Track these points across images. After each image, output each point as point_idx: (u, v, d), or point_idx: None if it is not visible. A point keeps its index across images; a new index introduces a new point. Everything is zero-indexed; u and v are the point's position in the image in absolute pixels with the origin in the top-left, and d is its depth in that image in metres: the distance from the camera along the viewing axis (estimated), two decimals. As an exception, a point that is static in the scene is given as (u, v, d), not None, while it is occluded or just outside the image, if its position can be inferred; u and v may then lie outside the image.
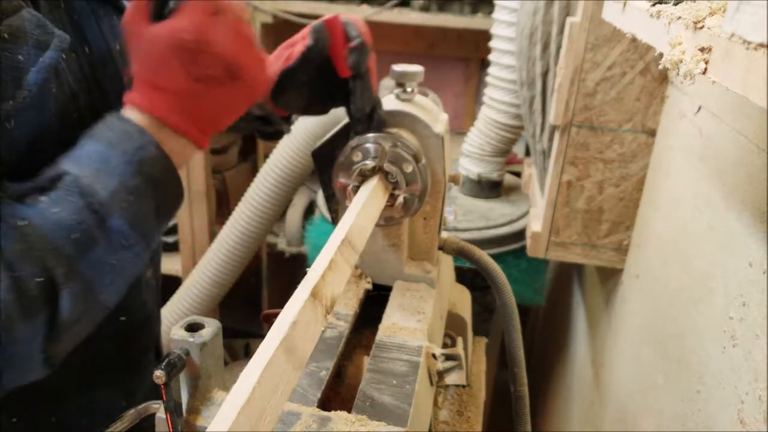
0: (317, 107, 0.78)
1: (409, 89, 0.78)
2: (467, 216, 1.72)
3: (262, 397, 0.39)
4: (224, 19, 0.57)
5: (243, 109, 0.63)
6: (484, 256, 0.83)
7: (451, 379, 0.90)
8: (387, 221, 0.76)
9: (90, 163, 0.54)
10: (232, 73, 0.59)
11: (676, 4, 0.53)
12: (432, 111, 0.80)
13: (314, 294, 0.49)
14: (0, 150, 0.54)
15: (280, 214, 2.10)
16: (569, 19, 1.14)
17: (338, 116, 0.74)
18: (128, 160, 0.54)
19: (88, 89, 0.65)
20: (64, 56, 0.57)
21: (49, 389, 0.70)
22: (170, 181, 0.58)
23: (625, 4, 0.73)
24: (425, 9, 2.13)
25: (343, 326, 0.74)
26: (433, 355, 0.70)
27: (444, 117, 0.83)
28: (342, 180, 0.73)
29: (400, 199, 0.73)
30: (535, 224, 1.28)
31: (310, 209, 2.30)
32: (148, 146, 0.56)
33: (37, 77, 0.54)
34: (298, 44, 0.72)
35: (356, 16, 0.75)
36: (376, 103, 0.72)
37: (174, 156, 0.58)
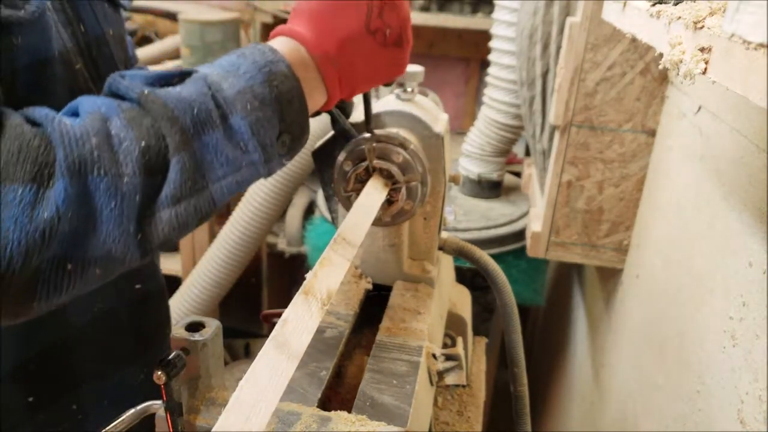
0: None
1: (409, 89, 0.78)
2: (467, 216, 1.72)
3: (254, 386, 0.39)
4: None
5: (386, 78, 0.65)
6: (484, 256, 0.83)
7: (451, 379, 0.90)
8: (398, 216, 0.76)
9: (221, 66, 0.54)
10: (401, 39, 0.62)
11: (676, 4, 0.53)
12: (432, 111, 0.80)
13: (306, 291, 0.49)
14: (1, 62, 0.54)
15: (280, 214, 2.10)
16: (569, 19, 1.14)
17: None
18: (258, 68, 0.54)
19: (84, 64, 0.67)
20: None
21: (67, 368, 0.70)
22: (297, 105, 0.57)
23: (625, 4, 0.73)
24: (425, 9, 2.13)
25: (343, 326, 0.74)
26: (433, 355, 0.70)
27: (444, 117, 0.83)
28: (344, 193, 0.74)
29: (403, 190, 0.73)
30: (535, 224, 1.28)
31: (310, 209, 2.30)
32: (279, 63, 0.56)
33: (38, 3, 0.55)
34: None
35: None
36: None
37: (305, 85, 0.58)
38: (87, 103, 0.49)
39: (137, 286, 0.76)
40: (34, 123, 0.46)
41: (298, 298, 0.49)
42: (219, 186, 0.53)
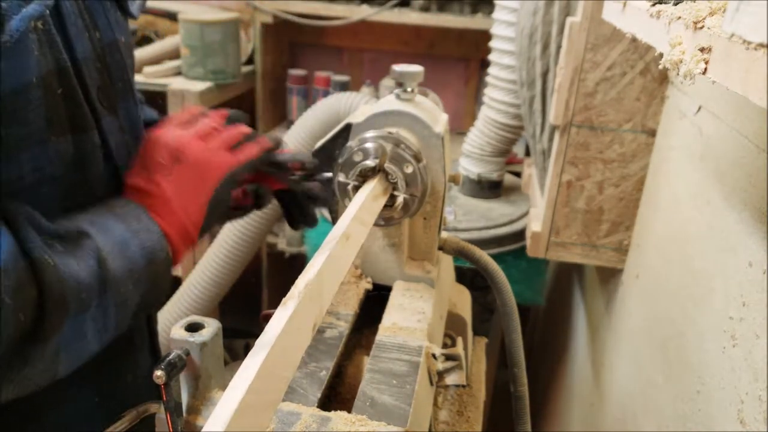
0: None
1: (409, 89, 0.78)
2: (467, 216, 1.72)
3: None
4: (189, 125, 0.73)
5: (201, 193, 0.70)
6: (484, 256, 0.83)
7: (451, 379, 0.90)
8: (387, 221, 0.76)
9: (113, 238, 0.58)
10: (174, 158, 0.69)
11: (676, 4, 0.53)
12: (432, 111, 0.80)
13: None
14: None
15: (280, 214, 2.10)
16: (569, 19, 1.14)
17: (339, 116, 0.75)
18: (144, 253, 0.60)
19: (99, 69, 0.67)
20: (48, 13, 0.57)
21: (23, 399, 0.70)
22: (163, 286, 0.64)
23: (625, 4, 0.73)
24: (425, 9, 2.13)
25: (343, 326, 0.74)
26: (433, 355, 0.70)
27: (444, 117, 0.83)
28: (342, 179, 0.73)
29: (400, 200, 0.73)
30: (535, 224, 1.28)
31: (310, 209, 2.29)
32: (163, 251, 0.62)
33: (19, 25, 0.53)
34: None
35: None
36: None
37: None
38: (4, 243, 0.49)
39: None
40: None
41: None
42: (66, 364, 0.55)
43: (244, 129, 0.79)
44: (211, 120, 0.76)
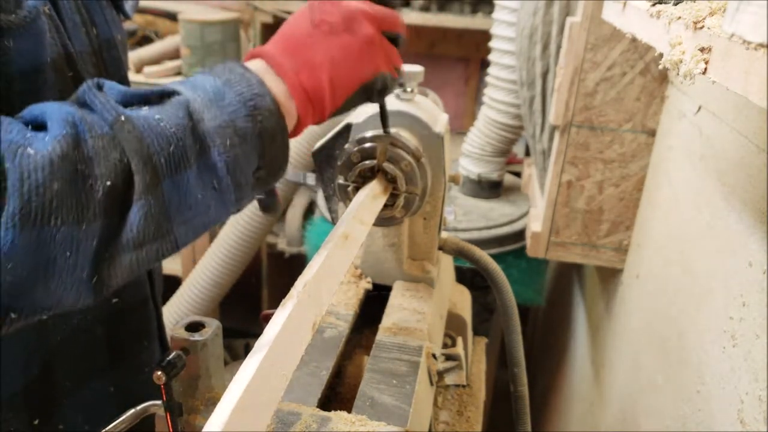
0: None
1: (409, 89, 0.78)
2: (467, 216, 1.72)
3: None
4: None
5: (356, 75, 0.61)
6: (484, 256, 0.83)
7: (451, 379, 0.90)
8: (388, 221, 0.76)
9: (204, 92, 0.51)
10: (348, 26, 0.59)
11: (676, 4, 0.53)
12: (432, 111, 0.80)
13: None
14: None
15: (280, 214, 2.10)
16: (569, 19, 1.14)
17: (338, 117, 0.75)
18: (244, 102, 0.52)
19: (95, 64, 0.67)
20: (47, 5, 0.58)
21: (41, 389, 0.70)
22: (279, 141, 0.55)
23: (625, 4, 0.73)
24: (425, 9, 2.13)
25: (343, 326, 0.74)
26: (433, 355, 0.70)
27: (444, 117, 0.83)
28: (342, 180, 0.73)
29: (401, 199, 0.73)
30: (535, 224, 1.28)
31: (310, 209, 2.30)
32: (265, 97, 0.53)
33: (36, 3, 0.54)
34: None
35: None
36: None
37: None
38: (55, 112, 0.44)
39: (114, 300, 0.75)
40: None
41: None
42: (184, 229, 0.50)
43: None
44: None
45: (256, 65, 0.56)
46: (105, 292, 0.46)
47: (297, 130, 0.59)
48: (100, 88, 0.48)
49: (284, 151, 0.56)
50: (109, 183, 0.43)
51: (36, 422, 0.69)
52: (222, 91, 0.52)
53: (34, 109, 0.45)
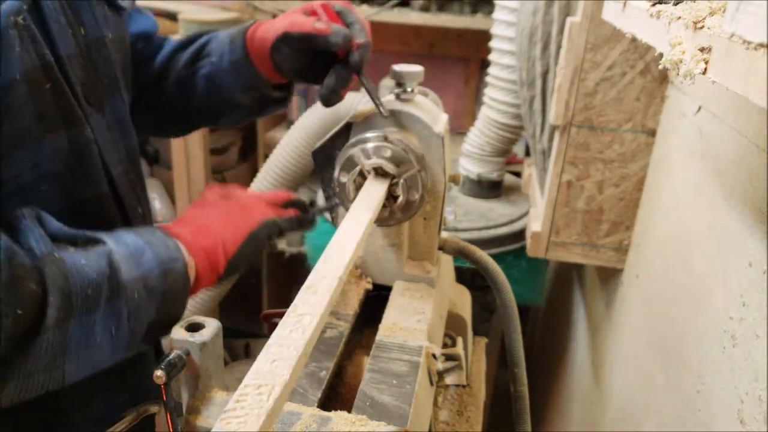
0: (311, 75, 0.82)
1: (409, 89, 0.78)
2: (467, 216, 1.72)
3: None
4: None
5: (237, 226, 0.70)
6: (484, 256, 0.83)
7: (451, 379, 0.90)
8: (386, 221, 0.76)
9: (126, 247, 0.57)
10: (226, 196, 0.73)
11: (676, 4, 0.53)
12: (432, 111, 0.80)
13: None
14: None
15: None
16: (569, 19, 1.14)
17: (339, 116, 0.75)
18: (159, 263, 0.59)
19: (83, 65, 0.66)
20: (25, 8, 0.57)
21: (50, 400, 0.70)
22: (180, 302, 0.62)
23: (625, 4, 0.73)
24: (425, 9, 2.13)
25: (343, 326, 0.74)
26: (433, 355, 0.70)
27: (444, 117, 0.83)
28: (343, 179, 0.73)
29: (401, 200, 0.73)
30: (535, 224, 1.28)
31: (310, 209, 2.30)
32: (179, 261, 0.61)
33: (2, 18, 0.53)
34: (312, 20, 0.77)
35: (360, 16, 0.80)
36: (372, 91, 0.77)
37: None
38: None
39: None
40: None
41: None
42: (74, 367, 0.54)
43: (291, 195, 0.83)
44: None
45: (175, 234, 0.64)
46: None
47: (195, 288, 0.66)
48: (39, 219, 0.54)
49: (181, 309, 0.63)
50: (20, 311, 0.47)
51: None
52: (142, 249, 0.58)
53: None
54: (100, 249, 0.55)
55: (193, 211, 0.71)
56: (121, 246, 0.57)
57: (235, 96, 0.85)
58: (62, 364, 0.52)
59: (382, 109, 0.74)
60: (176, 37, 0.95)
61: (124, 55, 0.78)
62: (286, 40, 0.77)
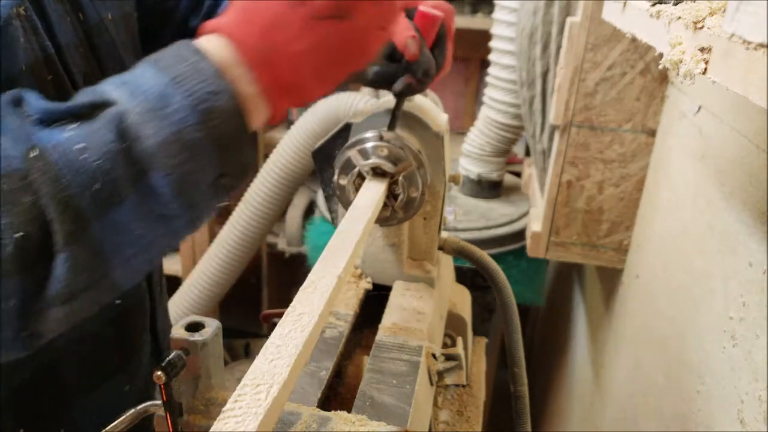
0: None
1: (409, 89, 0.78)
2: (467, 216, 1.72)
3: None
4: None
5: (345, 64, 0.50)
6: (484, 256, 0.83)
7: (451, 379, 0.90)
8: (386, 221, 0.76)
9: (146, 97, 0.42)
10: (342, 9, 0.46)
11: (676, 4, 0.53)
12: (432, 111, 0.80)
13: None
14: None
15: (280, 214, 2.10)
16: (569, 19, 1.14)
17: (339, 116, 0.75)
18: (194, 105, 0.42)
19: (83, 54, 0.63)
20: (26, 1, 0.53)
21: (58, 386, 0.70)
22: (240, 144, 0.46)
23: (625, 4, 0.73)
24: (425, 9, 2.13)
25: (343, 326, 0.74)
26: (433, 355, 0.70)
27: (444, 117, 0.83)
28: (342, 181, 0.73)
29: (401, 198, 0.73)
30: (535, 224, 1.28)
31: (310, 209, 2.30)
32: (222, 94, 0.43)
33: (4, 12, 0.49)
34: (407, 33, 0.62)
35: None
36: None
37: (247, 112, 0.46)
38: None
39: (117, 302, 0.73)
40: None
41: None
42: (124, 270, 0.43)
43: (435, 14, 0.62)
44: None
45: (215, 47, 0.45)
46: (41, 342, 0.42)
47: (273, 120, 0.50)
48: (17, 104, 0.41)
49: (248, 151, 0.47)
50: (20, 234, 0.37)
51: (25, 424, 0.68)
52: (166, 94, 0.42)
53: None
54: (105, 115, 0.41)
55: (275, 7, 0.46)
56: (137, 98, 0.42)
57: None
58: (106, 272, 0.42)
59: (393, 128, 0.71)
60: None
61: (130, 33, 0.72)
62: None
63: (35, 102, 0.42)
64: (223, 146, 0.44)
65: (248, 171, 0.49)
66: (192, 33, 0.50)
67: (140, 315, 0.81)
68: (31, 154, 0.38)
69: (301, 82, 0.48)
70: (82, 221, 0.39)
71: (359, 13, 0.48)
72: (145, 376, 0.81)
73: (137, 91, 0.42)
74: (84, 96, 0.43)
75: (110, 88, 0.43)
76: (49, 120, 0.41)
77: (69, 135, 0.40)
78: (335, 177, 0.74)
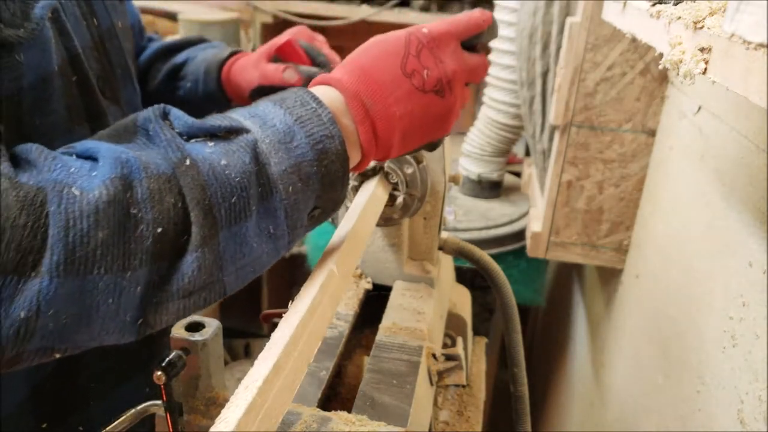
0: None
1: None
2: (467, 216, 1.72)
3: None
4: (456, 50, 0.57)
5: (428, 133, 0.57)
6: (484, 256, 0.83)
7: (451, 379, 0.90)
8: (385, 221, 0.76)
9: (274, 131, 0.47)
10: (441, 85, 0.55)
11: (676, 4, 0.53)
12: (432, 111, 0.80)
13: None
14: (3, 81, 0.51)
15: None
16: (569, 19, 1.14)
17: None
18: (312, 144, 0.48)
19: (98, 58, 0.66)
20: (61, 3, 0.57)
21: (76, 387, 0.70)
22: (339, 184, 0.52)
23: (625, 4, 0.73)
24: (425, 9, 2.13)
25: (343, 326, 0.74)
26: (433, 355, 0.70)
27: (444, 117, 0.83)
28: None
29: (400, 200, 0.73)
30: (535, 224, 1.28)
31: (310, 209, 2.30)
32: (335, 139, 0.49)
33: (42, 12, 0.53)
34: (280, 70, 0.80)
35: (320, 37, 0.86)
36: None
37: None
38: (108, 150, 0.41)
39: None
40: (27, 166, 0.39)
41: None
42: (234, 277, 0.47)
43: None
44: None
45: (330, 97, 0.52)
46: (149, 331, 0.44)
47: (362, 163, 0.55)
48: (165, 116, 0.46)
49: (343, 190, 0.53)
50: (160, 229, 0.41)
51: (43, 426, 0.68)
52: (292, 131, 0.48)
53: (86, 143, 0.43)
54: (243, 140, 0.46)
55: (390, 74, 0.54)
56: (268, 131, 0.47)
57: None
58: (220, 277, 0.46)
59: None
60: (175, 37, 0.96)
61: (131, 44, 0.78)
62: (261, 92, 0.78)
63: (181, 117, 0.46)
64: (328, 183, 0.50)
65: (338, 208, 0.54)
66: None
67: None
68: (186, 162, 0.43)
69: (391, 141, 0.54)
70: (215, 228, 0.43)
71: (453, 92, 0.56)
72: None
73: (267, 125, 0.48)
74: (217, 120, 0.47)
75: (243, 117, 0.49)
76: (189, 135, 0.45)
77: (211, 151, 0.44)
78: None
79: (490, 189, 1.83)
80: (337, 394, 0.72)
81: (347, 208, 0.74)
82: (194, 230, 0.42)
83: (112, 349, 0.71)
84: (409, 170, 0.72)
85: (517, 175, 2.03)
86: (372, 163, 0.72)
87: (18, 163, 0.40)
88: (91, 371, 0.71)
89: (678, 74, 0.46)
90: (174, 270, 0.42)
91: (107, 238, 0.38)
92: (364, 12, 2.08)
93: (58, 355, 0.40)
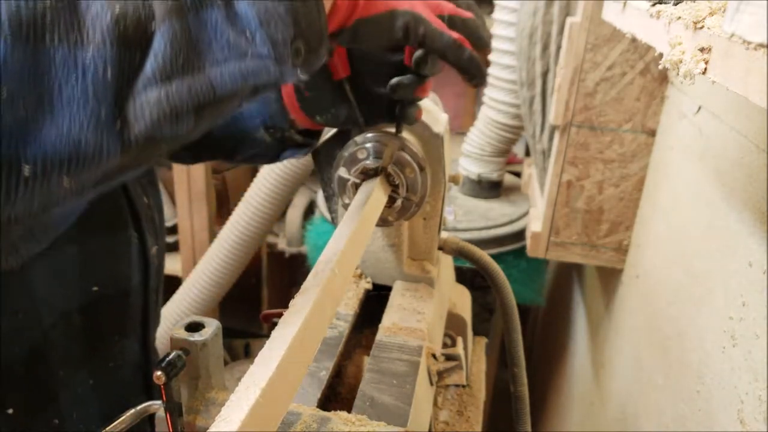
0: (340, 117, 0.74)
1: (409, 89, 0.78)
2: (467, 216, 1.72)
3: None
4: None
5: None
6: (484, 256, 0.83)
7: (451, 379, 0.90)
8: (382, 223, 0.76)
9: None
10: None
11: (676, 4, 0.53)
12: (432, 111, 0.80)
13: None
14: None
15: (280, 214, 2.10)
16: (569, 19, 1.14)
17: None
18: None
19: None
20: None
21: (42, 376, 0.69)
22: (314, 9, 0.47)
23: (625, 4, 0.73)
24: (425, 9, 2.13)
25: (343, 326, 0.74)
26: (433, 355, 0.70)
27: (444, 117, 0.83)
28: (342, 174, 0.73)
29: (398, 203, 0.73)
30: (535, 224, 1.28)
31: (310, 209, 2.30)
32: None
33: None
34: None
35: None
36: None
37: None
38: None
39: (93, 289, 0.71)
40: None
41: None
42: (219, 71, 0.42)
43: (463, 12, 0.63)
44: None
45: None
46: (132, 141, 0.39)
47: (334, 15, 0.52)
48: None
49: (321, 21, 0.48)
50: (118, 9, 0.37)
51: (9, 411, 0.67)
52: None
53: None
54: None
55: None
56: None
57: (256, 130, 0.79)
58: (202, 66, 0.42)
59: (400, 130, 0.72)
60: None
61: None
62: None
63: None
64: (296, 3, 0.45)
65: (321, 48, 0.48)
66: None
67: (114, 311, 0.77)
68: None
69: None
70: (179, 6, 0.40)
71: None
72: (120, 383, 0.78)
73: None
74: None
75: None
76: None
77: None
78: (337, 173, 0.74)
79: (490, 189, 1.83)
80: (337, 394, 0.72)
81: (347, 207, 0.74)
82: (156, 5, 0.39)
83: (62, 339, 0.69)
84: (411, 174, 0.72)
85: (517, 175, 2.03)
86: (374, 164, 0.72)
87: None
88: (53, 359, 0.69)
89: (678, 74, 0.46)
90: (145, 54, 0.39)
91: (55, 4, 0.35)
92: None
93: (26, 172, 0.35)
